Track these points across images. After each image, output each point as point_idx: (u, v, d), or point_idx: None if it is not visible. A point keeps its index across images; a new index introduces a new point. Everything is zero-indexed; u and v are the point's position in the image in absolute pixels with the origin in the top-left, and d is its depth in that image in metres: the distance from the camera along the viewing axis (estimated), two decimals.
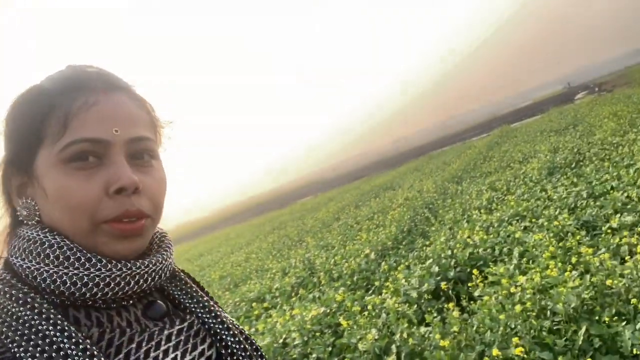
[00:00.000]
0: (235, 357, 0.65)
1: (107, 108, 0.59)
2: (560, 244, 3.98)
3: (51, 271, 0.56)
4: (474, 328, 3.03)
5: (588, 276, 3.07)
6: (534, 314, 2.88)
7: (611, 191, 5.11)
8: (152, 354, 0.58)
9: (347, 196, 18.60)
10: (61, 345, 0.52)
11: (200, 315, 0.66)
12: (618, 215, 4.19)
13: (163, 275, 0.63)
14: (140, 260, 0.59)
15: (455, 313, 3.04)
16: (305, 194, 44.63)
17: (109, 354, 0.56)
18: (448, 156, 20.54)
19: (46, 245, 0.57)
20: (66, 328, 0.53)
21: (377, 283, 5.10)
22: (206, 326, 0.66)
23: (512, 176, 8.21)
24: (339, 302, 4.69)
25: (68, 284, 0.56)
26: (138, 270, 0.58)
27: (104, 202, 0.57)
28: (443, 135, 63.00)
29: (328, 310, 4.60)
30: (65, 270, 0.56)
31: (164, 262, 0.63)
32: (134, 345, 0.57)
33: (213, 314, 0.67)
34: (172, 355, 0.59)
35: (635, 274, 2.82)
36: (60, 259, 0.56)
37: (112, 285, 0.56)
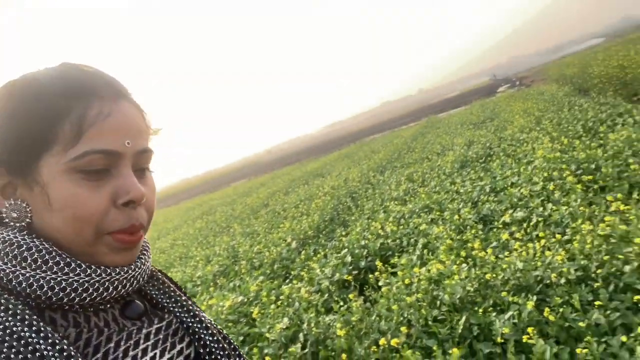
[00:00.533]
0: (213, 356, 0.65)
1: (120, 119, 0.58)
2: (459, 237, 4.34)
3: (27, 274, 0.55)
4: (373, 317, 3.27)
5: (474, 269, 3.40)
6: (425, 303, 3.16)
7: (510, 187, 5.57)
8: (131, 353, 0.58)
9: (279, 182, 18.71)
10: (37, 346, 0.51)
11: (178, 314, 0.67)
12: (511, 210, 4.61)
13: (141, 279, 0.63)
14: (119, 267, 0.59)
15: (357, 303, 3.26)
16: (239, 177, 44.23)
17: (87, 354, 0.55)
18: (377, 144, 21.13)
19: (24, 248, 0.56)
20: (42, 329, 0.52)
21: (294, 272, 5.28)
22: (184, 325, 0.66)
23: (429, 168, 8.66)
24: (256, 292, 4.83)
25: (45, 288, 0.55)
26: (117, 277, 0.58)
27: (111, 213, 0.57)
28: (377, 122, 64.46)
29: (245, 299, 4.73)
30: (42, 274, 0.55)
31: (142, 266, 0.63)
32: (112, 345, 0.57)
33: (191, 313, 0.68)
34: (151, 354, 0.60)
35: (513, 267, 3.16)
36: (38, 263, 0.55)
37: (90, 290, 0.56)
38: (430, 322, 2.97)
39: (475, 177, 6.77)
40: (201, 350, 0.65)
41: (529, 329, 2.45)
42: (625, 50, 12.82)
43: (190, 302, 0.70)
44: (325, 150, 36.86)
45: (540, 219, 4.17)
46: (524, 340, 2.46)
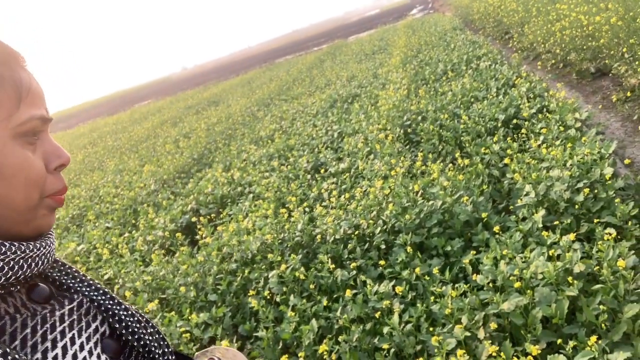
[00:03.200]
0: (130, 330, 0.66)
1: (39, 87, 0.60)
2: (286, 189, 4.65)
3: None
4: (175, 274, 3.56)
5: (277, 226, 3.74)
6: (218, 260, 3.47)
7: (354, 134, 5.92)
8: (50, 337, 0.57)
9: (174, 108, 18.12)
10: None
11: (87, 293, 0.66)
12: (337, 162, 4.97)
13: (51, 258, 0.62)
14: (32, 242, 0.58)
15: (156, 260, 3.51)
16: (145, 97, 42.06)
17: (3, 342, 0.52)
18: (280, 69, 20.84)
19: None
20: None
21: (141, 219, 5.41)
22: (95, 303, 0.66)
23: (303, 106, 8.84)
24: (99, 237, 4.95)
25: None
26: (31, 254, 0.57)
27: (48, 177, 0.59)
28: (294, 41, 62.72)
29: (85, 249, 4.85)
30: None
31: (53, 243, 0.63)
32: (28, 330, 0.55)
33: (101, 291, 0.67)
34: (69, 335, 0.59)
35: (300, 225, 3.53)
36: None
37: (5, 270, 0.54)
38: (221, 276, 3.31)
39: (335, 120, 6.99)
40: (117, 325, 0.66)
41: (285, 288, 2.85)
42: None
43: (97, 282, 0.70)
44: (235, 71, 35.73)
45: (359, 171, 4.56)
46: (281, 297, 2.87)
